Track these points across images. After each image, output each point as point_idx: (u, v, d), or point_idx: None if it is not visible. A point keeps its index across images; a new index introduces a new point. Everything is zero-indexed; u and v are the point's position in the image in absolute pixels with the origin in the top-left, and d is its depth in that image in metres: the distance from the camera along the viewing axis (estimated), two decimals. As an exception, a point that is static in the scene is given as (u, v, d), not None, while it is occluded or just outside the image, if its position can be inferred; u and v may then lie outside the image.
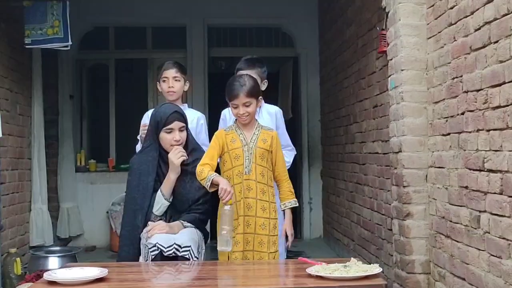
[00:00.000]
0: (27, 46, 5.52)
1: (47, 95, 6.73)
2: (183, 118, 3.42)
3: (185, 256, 3.03)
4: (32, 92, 6.35)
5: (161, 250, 3.04)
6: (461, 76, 3.16)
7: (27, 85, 6.25)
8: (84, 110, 8.04)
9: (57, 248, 5.17)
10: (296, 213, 7.97)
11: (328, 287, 2.46)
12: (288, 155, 3.86)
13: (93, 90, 8.28)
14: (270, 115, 3.88)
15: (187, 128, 3.47)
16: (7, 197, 5.49)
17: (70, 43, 5.43)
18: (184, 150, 3.38)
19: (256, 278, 2.75)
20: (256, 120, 3.46)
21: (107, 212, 7.24)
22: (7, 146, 5.48)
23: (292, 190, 3.45)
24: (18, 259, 5.16)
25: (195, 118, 3.94)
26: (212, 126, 7.96)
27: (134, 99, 8.14)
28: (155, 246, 3.04)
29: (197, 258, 3.07)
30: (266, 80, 4.00)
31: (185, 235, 3.17)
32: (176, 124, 3.36)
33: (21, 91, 5.99)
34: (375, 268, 2.55)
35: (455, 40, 3.26)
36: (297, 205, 3.49)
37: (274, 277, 2.85)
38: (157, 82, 4.00)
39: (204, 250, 3.33)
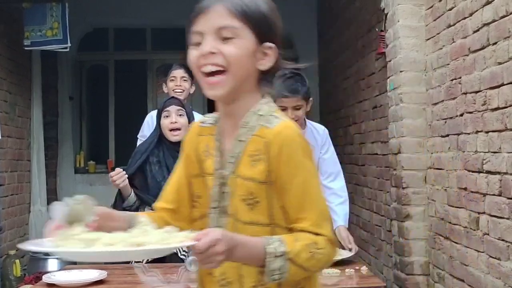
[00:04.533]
0: (26, 48, 5.52)
1: (46, 96, 6.74)
2: (181, 103, 3.34)
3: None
4: (31, 93, 6.35)
5: None
6: (460, 77, 3.16)
7: (27, 87, 6.26)
8: (84, 112, 8.04)
9: (57, 250, 5.15)
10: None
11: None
12: None
13: (93, 92, 8.28)
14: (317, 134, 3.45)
15: (189, 117, 3.32)
16: (7, 199, 5.50)
17: (69, 44, 5.43)
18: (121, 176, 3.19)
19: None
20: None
21: (107, 213, 7.23)
22: (6, 148, 5.48)
23: None
24: (17, 261, 5.16)
25: None
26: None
27: (134, 101, 8.14)
28: None
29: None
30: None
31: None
32: (173, 108, 3.28)
33: (20, 93, 6.00)
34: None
35: (453, 42, 3.26)
36: None
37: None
38: (163, 84, 4.03)
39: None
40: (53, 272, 2.73)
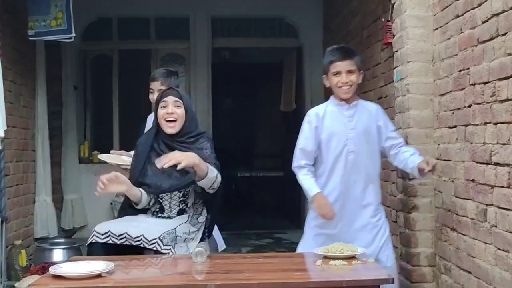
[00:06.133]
0: (30, 38, 5.50)
1: (50, 86, 6.71)
2: (178, 94, 3.28)
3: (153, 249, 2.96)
4: (35, 83, 6.34)
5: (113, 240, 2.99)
6: (468, 68, 3.14)
7: (31, 77, 6.24)
8: (88, 101, 8.02)
9: (62, 240, 5.18)
10: (299, 204, 7.97)
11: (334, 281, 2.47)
12: None
13: (97, 81, 8.25)
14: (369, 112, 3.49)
15: (186, 109, 3.26)
16: (12, 189, 5.49)
17: (73, 34, 5.40)
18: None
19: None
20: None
21: (111, 204, 7.24)
22: (11, 138, 5.47)
23: None
24: (23, 251, 5.17)
25: None
26: (215, 118, 7.96)
27: (138, 90, 8.11)
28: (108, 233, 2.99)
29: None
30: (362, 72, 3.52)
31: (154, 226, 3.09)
32: (171, 98, 3.24)
33: (24, 83, 5.98)
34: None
35: (462, 32, 3.23)
36: None
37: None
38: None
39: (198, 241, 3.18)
40: (60, 264, 2.71)
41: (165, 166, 2.95)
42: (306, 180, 3.39)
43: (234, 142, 10.90)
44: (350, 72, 3.28)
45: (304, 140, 3.44)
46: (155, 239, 2.96)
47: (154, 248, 2.98)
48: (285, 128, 9.43)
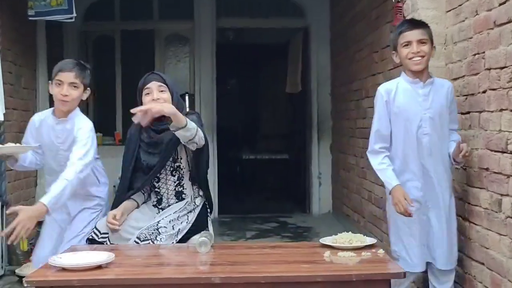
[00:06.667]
0: (30, 18, 5.37)
1: (51, 68, 6.56)
2: (162, 79, 3.14)
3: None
4: (36, 65, 6.22)
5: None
6: (484, 52, 3.01)
7: (32, 58, 6.12)
8: (90, 83, 7.87)
9: (63, 224, 5.07)
10: (305, 187, 7.89)
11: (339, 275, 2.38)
12: None
13: (99, 63, 8.12)
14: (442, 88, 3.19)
15: (172, 92, 3.13)
16: (12, 172, 5.40)
17: (74, 14, 5.27)
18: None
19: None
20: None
21: (114, 186, 7.15)
22: (12, 121, 5.37)
23: None
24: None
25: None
26: (219, 99, 7.83)
27: (141, 71, 7.96)
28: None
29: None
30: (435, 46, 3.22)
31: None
32: (154, 84, 3.10)
33: (25, 64, 5.86)
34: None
35: (477, 14, 3.10)
36: None
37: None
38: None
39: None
40: (59, 254, 2.62)
41: (138, 114, 2.88)
42: (383, 171, 3.13)
43: (239, 124, 10.80)
44: (421, 42, 3.04)
45: (378, 121, 3.17)
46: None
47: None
48: (290, 109, 9.31)
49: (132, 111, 2.90)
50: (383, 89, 3.18)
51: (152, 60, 7.89)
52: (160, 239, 2.97)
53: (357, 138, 6.04)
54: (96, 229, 3.08)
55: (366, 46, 5.60)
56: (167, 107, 2.87)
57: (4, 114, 4.22)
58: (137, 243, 2.96)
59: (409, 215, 3.04)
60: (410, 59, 3.06)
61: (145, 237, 2.97)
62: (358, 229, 5.71)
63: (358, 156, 5.99)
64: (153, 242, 2.95)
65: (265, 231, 6.80)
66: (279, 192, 9.48)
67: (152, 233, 2.99)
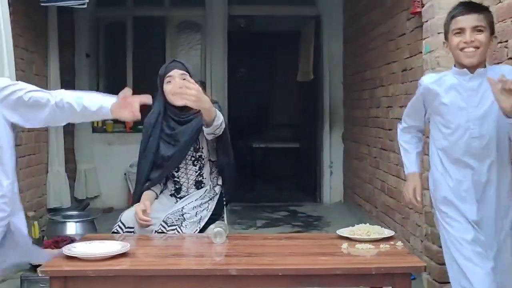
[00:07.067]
0: (42, 4, 5.32)
1: (62, 54, 6.55)
2: (184, 67, 3.13)
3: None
4: (48, 51, 6.18)
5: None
6: (506, 41, 2.95)
7: (43, 44, 6.08)
8: (101, 69, 7.86)
9: (75, 212, 5.07)
10: (316, 176, 7.84)
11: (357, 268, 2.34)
12: None
13: (110, 49, 8.07)
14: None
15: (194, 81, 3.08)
16: (24, 159, 5.39)
17: (86, 0, 5.21)
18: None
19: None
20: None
21: (125, 174, 7.14)
22: (23, 107, 5.33)
23: None
24: (36, 223, 5.08)
25: None
26: (230, 87, 7.76)
27: (152, 58, 7.94)
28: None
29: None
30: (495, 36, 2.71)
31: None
32: (176, 72, 3.09)
33: (36, 50, 5.82)
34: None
35: (500, 2, 3.03)
36: None
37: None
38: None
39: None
40: (73, 244, 2.59)
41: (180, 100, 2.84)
42: (405, 152, 2.94)
43: (249, 112, 10.74)
44: (476, 29, 2.48)
45: (410, 108, 2.90)
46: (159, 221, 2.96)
47: (160, 231, 2.94)
48: (301, 98, 9.24)
49: (178, 89, 2.84)
50: (426, 80, 2.70)
51: (163, 47, 7.82)
52: (185, 225, 2.95)
53: (370, 127, 5.98)
54: (121, 222, 3.03)
55: (381, 34, 5.52)
56: (208, 102, 2.80)
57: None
58: (164, 227, 2.92)
59: (415, 206, 2.92)
60: (461, 49, 2.52)
61: (172, 223, 2.94)
62: (370, 219, 5.68)
63: (370, 145, 5.93)
64: (180, 228, 2.93)
65: (276, 220, 6.77)
66: (290, 181, 9.43)
67: (178, 218, 2.96)
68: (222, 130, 2.97)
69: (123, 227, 3.03)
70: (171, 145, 3.11)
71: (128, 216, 3.05)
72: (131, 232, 3.01)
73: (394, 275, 2.31)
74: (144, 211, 2.99)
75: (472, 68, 2.55)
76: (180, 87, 2.86)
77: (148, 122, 3.20)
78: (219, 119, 2.90)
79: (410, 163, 2.91)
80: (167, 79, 3.10)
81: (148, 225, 2.98)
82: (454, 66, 2.64)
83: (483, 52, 2.52)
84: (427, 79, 2.71)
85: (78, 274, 2.32)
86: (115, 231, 3.04)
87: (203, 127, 2.92)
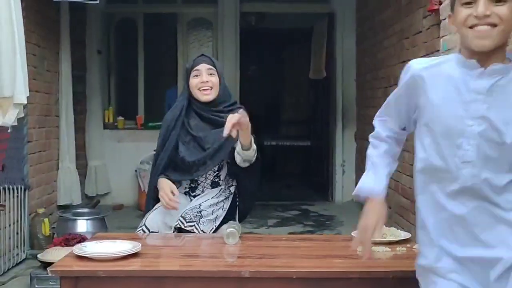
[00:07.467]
0: (54, 0, 5.30)
1: (74, 50, 6.53)
2: (211, 61, 3.09)
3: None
4: (59, 47, 6.16)
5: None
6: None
7: (55, 40, 6.06)
8: (112, 66, 7.84)
9: (86, 210, 5.04)
10: (328, 175, 7.78)
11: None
12: None
13: (122, 45, 8.06)
14: None
15: (220, 77, 3.08)
16: (35, 156, 5.37)
17: (99, -4, 5.19)
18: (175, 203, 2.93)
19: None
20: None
21: (136, 171, 7.12)
22: (35, 103, 5.32)
23: None
24: (46, 220, 5.06)
25: None
26: (242, 82, 7.71)
27: (164, 55, 7.91)
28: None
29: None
30: None
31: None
32: (203, 66, 3.04)
33: (48, 47, 5.80)
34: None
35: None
36: None
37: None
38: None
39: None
40: (84, 243, 2.55)
41: (232, 133, 2.68)
42: (370, 158, 2.15)
43: (260, 109, 10.70)
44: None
45: (393, 96, 2.05)
46: (177, 216, 2.92)
47: (178, 226, 2.90)
48: (313, 96, 9.18)
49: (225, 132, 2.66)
50: (417, 65, 1.88)
51: (175, 44, 7.80)
52: (203, 222, 2.91)
53: (383, 126, 5.91)
54: (146, 226, 2.97)
55: (395, 32, 5.45)
56: (247, 123, 2.79)
57: (27, 97, 4.14)
58: (182, 222, 2.88)
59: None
60: (471, 27, 1.68)
61: (190, 219, 2.89)
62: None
63: (384, 145, 5.86)
64: (198, 225, 2.88)
65: (287, 219, 6.72)
66: (301, 179, 9.38)
67: (196, 215, 2.92)
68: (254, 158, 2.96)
69: (147, 231, 2.95)
70: (190, 148, 3.05)
71: (152, 221, 2.98)
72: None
73: (412, 279, 2.25)
74: (172, 193, 2.95)
75: (484, 58, 1.70)
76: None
77: (171, 115, 3.14)
78: (254, 145, 2.89)
79: (368, 178, 2.18)
80: (194, 72, 3.06)
81: (175, 207, 2.93)
82: (459, 52, 1.80)
83: (504, 32, 1.67)
84: (418, 64, 1.88)
85: (88, 275, 2.27)
86: (139, 233, 2.98)
87: (239, 151, 2.89)
